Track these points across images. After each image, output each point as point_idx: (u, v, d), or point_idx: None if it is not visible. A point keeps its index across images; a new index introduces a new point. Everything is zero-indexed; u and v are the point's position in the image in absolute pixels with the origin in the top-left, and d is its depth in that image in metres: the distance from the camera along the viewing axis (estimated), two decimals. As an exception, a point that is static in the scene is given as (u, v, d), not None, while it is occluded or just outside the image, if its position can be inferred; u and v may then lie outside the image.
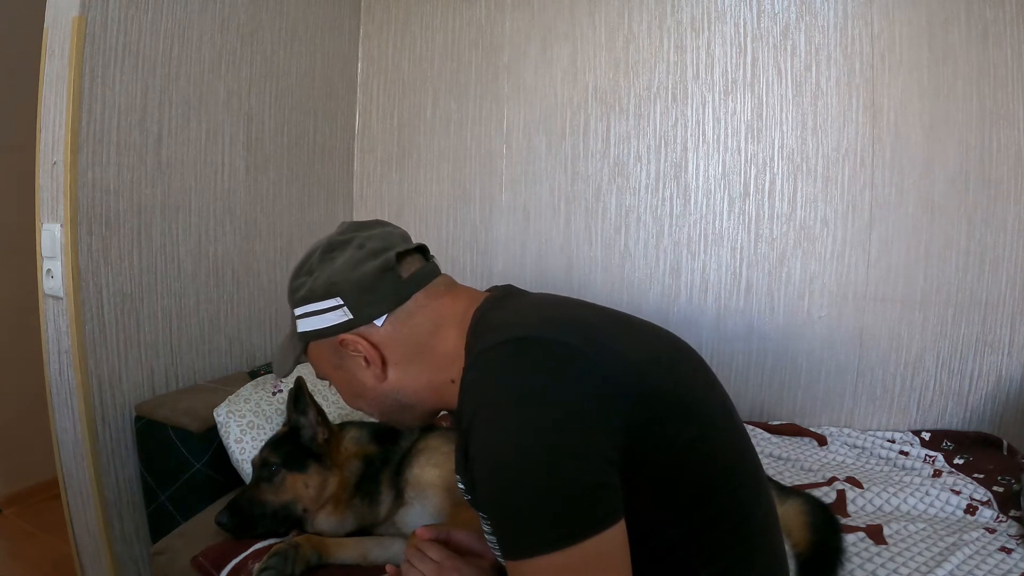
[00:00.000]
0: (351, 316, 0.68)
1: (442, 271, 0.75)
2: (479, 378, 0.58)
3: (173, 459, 1.31)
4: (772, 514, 0.69)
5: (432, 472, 1.08)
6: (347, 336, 0.68)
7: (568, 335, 0.58)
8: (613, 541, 0.53)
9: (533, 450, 0.53)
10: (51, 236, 1.27)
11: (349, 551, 1.05)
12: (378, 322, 0.68)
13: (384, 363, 0.70)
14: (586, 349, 0.57)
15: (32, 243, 1.30)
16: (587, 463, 0.53)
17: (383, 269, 0.68)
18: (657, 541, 0.57)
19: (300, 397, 1.14)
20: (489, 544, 0.74)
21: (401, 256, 0.69)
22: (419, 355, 0.69)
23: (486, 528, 0.70)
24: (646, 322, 0.70)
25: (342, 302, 0.68)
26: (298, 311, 0.71)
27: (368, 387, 0.72)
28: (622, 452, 0.55)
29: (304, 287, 0.70)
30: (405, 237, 0.74)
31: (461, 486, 0.68)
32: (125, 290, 1.38)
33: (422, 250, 0.74)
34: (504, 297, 0.71)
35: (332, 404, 1.40)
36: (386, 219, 0.78)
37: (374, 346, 0.69)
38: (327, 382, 0.78)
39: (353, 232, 0.71)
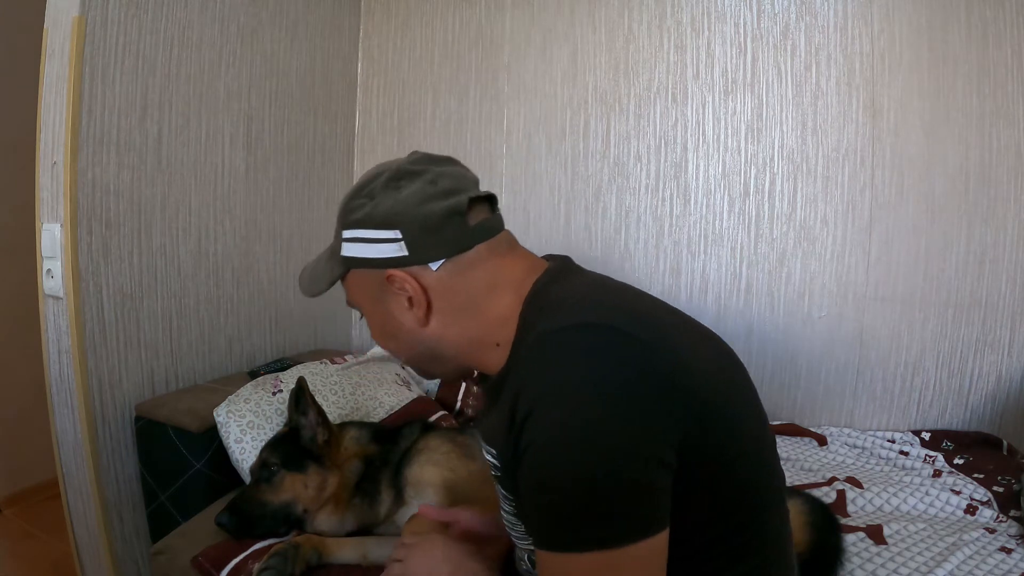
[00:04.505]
0: (406, 253, 0.63)
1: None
2: (546, 360, 0.55)
3: (173, 459, 1.31)
4: (787, 524, 0.69)
5: (431, 471, 1.08)
6: (397, 272, 0.63)
7: (639, 329, 0.55)
8: (657, 547, 0.52)
9: (597, 447, 0.50)
10: (51, 236, 1.27)
11: (349, 551, 1.06)
12: (433, 265, 0.63)
13: (429, 309, 0.65)
14: (657, 347, 0.54)
15: (32, 243, 1.30)
16: (648, 466, 0.51)
17: (452, 212, 0.63)
18: (681, 546, 0.55)
19: (300, 398, 1.14)
20: (507, 526, 0.73)
21: (472, 202, 0.64)
22: (468, 310, 0.65)
23: (508, 509, 0.69)
24: (700, 324, 0.67)
25: (400, 236, 0.62)
26: (348, 233, 0.65)
27: (404, 329, 0.67)
28: (678, 456, 0.53)
29: (361, 209, 0.64)
30: (476, 182, 0.68)
31: (495, 462, 0.65)
32: (125, 290, 1.38)
33: (490, 199, 0.68)
34: (565, 272, 0.67)
35: (332, 405, 1.40)
36: None
37: (423, 289, 0.64)
38: (358, 314, 0.72)
39: (425, 164, 0.66)
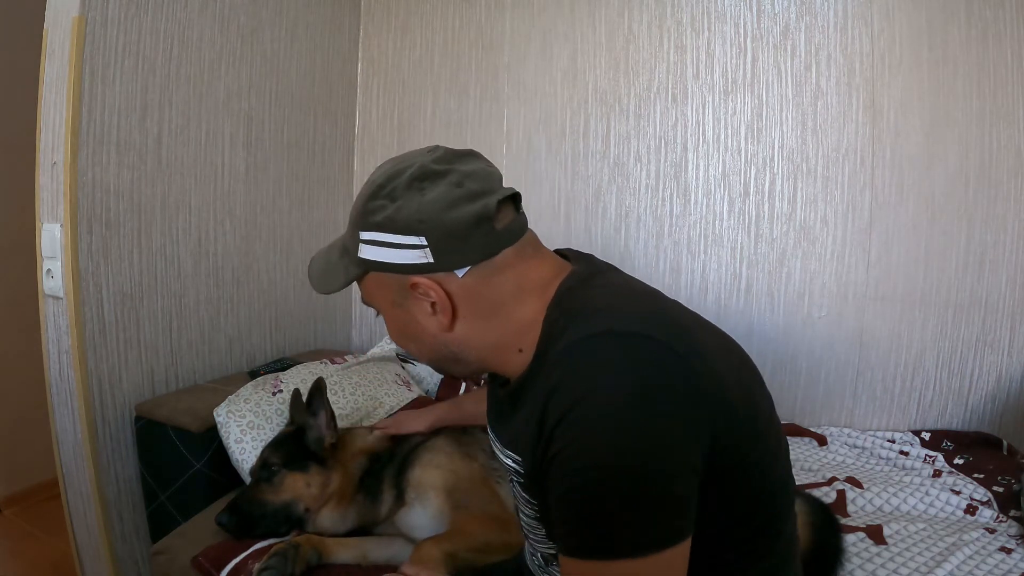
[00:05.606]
0: (431, 260, 0.60)
1: None
2: (579, 366, 0.54)
3: (173, 459, 1.31)
4: (796, 526, 0.70)
5: (433, 474, 1.08)
6: (421, 280, 0.61)
7: (672, 338, 0.55)
8: (683, 553, 0.52)
9: (632, 456, 0.50)
10: (51, 236, 1.27)
11: (349, 551, 1.05)
12: (459, 272, 0.61)
13: (454, 315, 0.63)
14: (689, 357, 0.54)
15: (32, 243, 1.30)
16: (680, 474, 0.52)
17: (480, 218, 0.60)
18: (700, 548, 0.55)
19: (316, 398, 1.14)
20: (524, 529, 0.74)
21: (498, 204, 0.62)
22: (493, 315, 0.63)
23: (529, 513, 0.69)
24: (721, 330, 0.67)
25: (425, 243, 0.59)
26: (367, 235, 0.62)
27: (428, 333, 0.65)
28: (705, 465, 0.53)
29: (382, 212, 0.60)
30: (501, 180, 0.66)
31: (517, 468, 0.65)
32: (125, 290, 1.38)
33: (514, 198, 0.66)
34: (590, 275, 0.66)
35: (332, 404, 1.40)
36: None
37: (448, 295, 0.62)
38: (373, 312, 0.69)
39: (450, 163, 0.62)
